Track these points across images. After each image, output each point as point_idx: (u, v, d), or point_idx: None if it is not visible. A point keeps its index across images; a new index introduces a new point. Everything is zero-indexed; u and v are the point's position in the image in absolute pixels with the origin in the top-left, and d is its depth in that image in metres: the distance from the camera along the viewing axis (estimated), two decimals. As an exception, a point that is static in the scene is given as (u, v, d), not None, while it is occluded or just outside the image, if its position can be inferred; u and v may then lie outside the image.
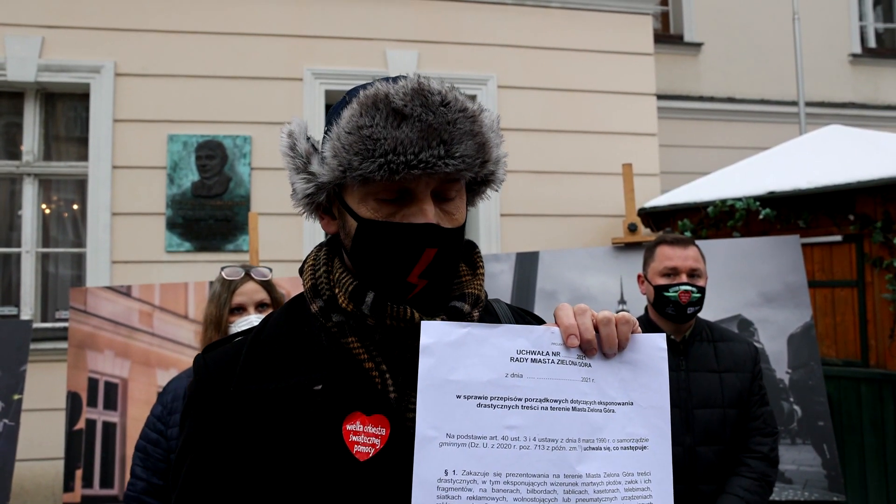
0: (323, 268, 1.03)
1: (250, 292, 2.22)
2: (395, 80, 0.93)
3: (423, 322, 0.90)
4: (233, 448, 0.93)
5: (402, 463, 0.89)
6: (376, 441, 0.92)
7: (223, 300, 2.20)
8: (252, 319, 2.15)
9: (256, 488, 0.92)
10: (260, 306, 2.22)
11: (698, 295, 2.32)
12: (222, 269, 2.29)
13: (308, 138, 1.00)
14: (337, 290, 0.99)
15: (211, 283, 2.32)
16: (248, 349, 0.99)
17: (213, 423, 0.96)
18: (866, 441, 4.41)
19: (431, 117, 0.89)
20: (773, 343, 3.21)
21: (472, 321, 0.99)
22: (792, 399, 3.16)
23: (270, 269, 2.36)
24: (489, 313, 1.09)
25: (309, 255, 1.08)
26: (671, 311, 2.32)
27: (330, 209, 1.02)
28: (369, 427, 0.93)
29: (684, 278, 2.33)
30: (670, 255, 2.37)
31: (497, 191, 1.07)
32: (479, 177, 0.99)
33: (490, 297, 1.12)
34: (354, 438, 0.92)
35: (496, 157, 0.99)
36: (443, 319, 0.96)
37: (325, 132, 0.98)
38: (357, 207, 0.95)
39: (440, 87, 0.92)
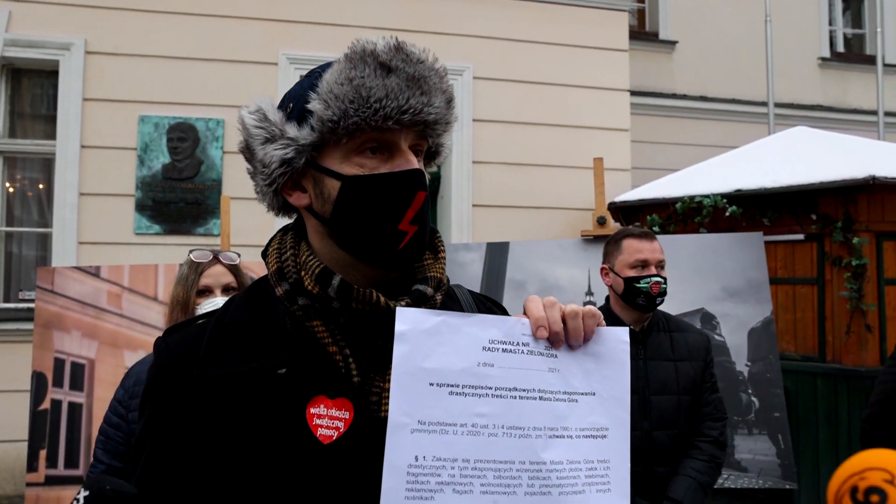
0: (289, 251, 1.03)
1: (217, 275, 2.23)
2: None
3: (398, 308, 0.91)
4: (195, 432, 0.93)
5: (366, 446, 0.91)
6: (340, 424, 0.93)
7: (190, 282, 2.21)
8: (218, 301, 2.16)
9: (219, 472, 0.92)
10: (227, 290, 2.23)
11: (665, 286, 2.43)
12: (190, 251, 2.30)
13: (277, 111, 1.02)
14: (303, 273, 0.99)
15: (181, 265, 2.33)
16: (211, 332, 0.99)
17: (175, 406, 0.95)
18: (821, 433, 4.56)
19: (413, 70, 0.96)
20: (734, 336, 3.31)
21: (435, 304, 1.01)
22: (750, 391, 3.26)
23: (238, 255, 2.38)
24: (451, 298, 1.11)
25: (273, 238, 1.08)
26: (642, 301, 2.42)
27: (299, 182, 1.02)
28: (333, 410, 0.93)
29: (654, 270, 2.43)
30: (640, 248, 2.47)
31: (436, 169, 1.11)
32: (440, 140, 1.06)
33: (452, 283, 1.14)
34: (318, 422, 0.92)
35: (455, 119, 1.06)
36: (407, 303, 0.97)
37: (290, 107, 1.00)
38: (339, 168, 0.97)
39: (413, 47, 0.99)
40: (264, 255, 1.07)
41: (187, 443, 0.94)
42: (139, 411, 1.04)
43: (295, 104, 1.00)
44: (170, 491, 0.94)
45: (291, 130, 0.98)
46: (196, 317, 1.08)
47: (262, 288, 1.05)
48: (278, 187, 1.01)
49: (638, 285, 2.41)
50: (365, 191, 0.96)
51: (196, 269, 2.24)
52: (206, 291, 2.21)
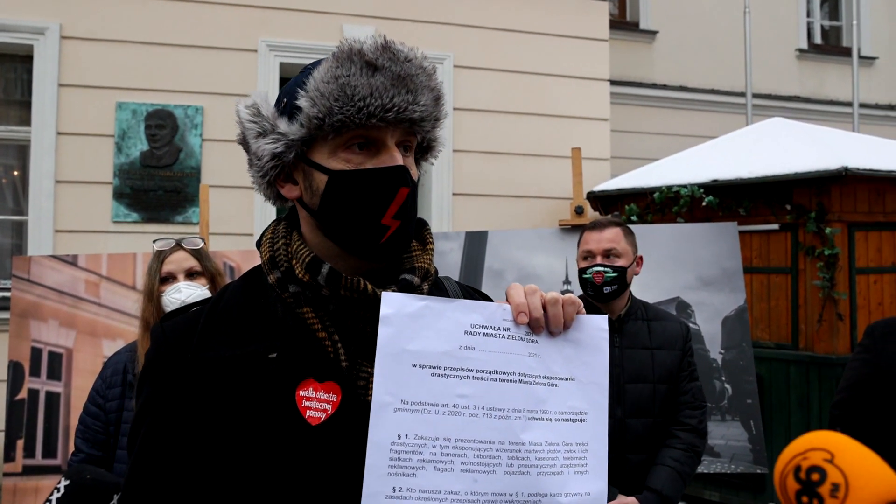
0: (282, 240, 1.07)
1: (179, 260, 2.27)
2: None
3: (383, 293, 0.94)
4: (189, 413, 0.97)
5: (352, 427, 0.94)
6: (328, 406, 0.96)
7: (154, 270, 2.26)
8: (181, 287, 2.19)
9: (212, 452, 0.96)
10: (190, 275, 2.26)
11: (613, 274, 2.40)
12: (154, 241, 2.35)
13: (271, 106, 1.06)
14: (294, 262, 1.03)
15: None
16: (206, 318, 1.03)
17: (170, 389, 0.99)
18: (793, 419, 4.66)
19: (399, 68, 0.99)
20: (709, 325, 3.37)
21: (422, 294, 1.04)
22: (724, 378, 3.33)
23: (203, 240, 2.42)
24: (439, 289, 1.14)
25: (266, 228, 1.12)
26: (590, 291, 2.44)
27: (291, 175, 1.06)
28: (321, 393, 0.97)
29: (598, 260, 2.44)
30: (587, 240, 2.51)
31: (432, 164, 1.14)
32: (431, 135, 1.08)
33: (440, 275, 1.18)
34: (307, 404, 0.96)
35: (445, 115, 1.08)
36: (393, 291, 1.00)
37: (284, 103, 1.04)
38: (326, 162, 1.01)
39: (402, 46, 1.02)
40: (258, 244, 1.11)
41: (182, 423, 0.98)
42: (136, 394, 1.07)
43: (287, 100, 1.03)
44: (166, 470, 0.98)
45: (282, 125, 1.02)
46: (192, 304, 1.12)
47: (256, 276, 1.09)
48: (271, 179, 1.06)
49: (584, 276, 2.45)
50: (349, 185, 1.00)
51: (158, 257, 2.28)
52: (170, 278, 2.24)
